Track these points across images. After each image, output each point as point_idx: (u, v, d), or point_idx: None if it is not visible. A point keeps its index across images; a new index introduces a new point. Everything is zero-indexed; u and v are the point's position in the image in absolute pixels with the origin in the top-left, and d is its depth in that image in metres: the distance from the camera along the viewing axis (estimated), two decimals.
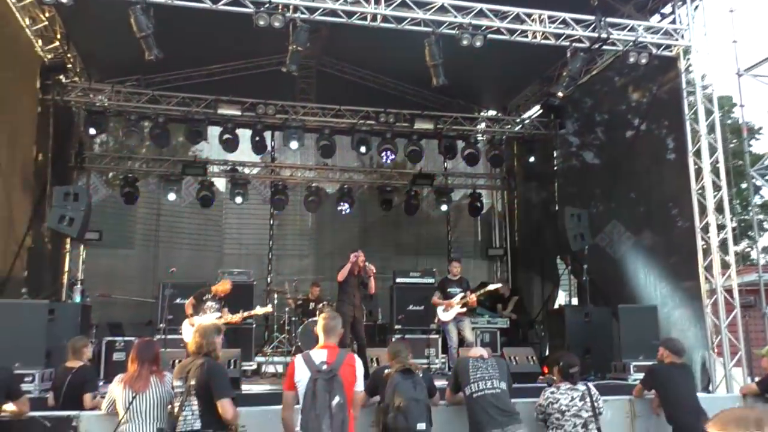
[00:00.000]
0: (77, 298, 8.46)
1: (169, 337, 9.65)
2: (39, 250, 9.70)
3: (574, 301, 11.75)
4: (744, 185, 15.90)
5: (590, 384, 5.52)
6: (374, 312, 12.11)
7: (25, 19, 9.50)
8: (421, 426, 4.70)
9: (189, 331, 8.15)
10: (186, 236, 13.00)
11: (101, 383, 7.96)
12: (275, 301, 11.28)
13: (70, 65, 10.78)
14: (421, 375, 5.02)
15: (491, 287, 9.53)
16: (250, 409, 5.14)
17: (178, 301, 10.02)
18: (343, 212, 12.78)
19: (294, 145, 11.01)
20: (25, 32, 9.59)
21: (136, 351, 4.74)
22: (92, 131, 10.32)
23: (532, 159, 12.18)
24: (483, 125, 13.21)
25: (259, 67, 12.64)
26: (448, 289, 9.14)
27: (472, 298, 9.10)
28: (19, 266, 9.27)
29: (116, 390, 4.64)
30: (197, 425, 4.30)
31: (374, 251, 13.42)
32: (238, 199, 12.23)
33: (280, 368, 10.07)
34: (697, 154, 8.27)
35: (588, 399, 5.23)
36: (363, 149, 11.27)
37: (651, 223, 9.53)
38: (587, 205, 10.73)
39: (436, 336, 10.07)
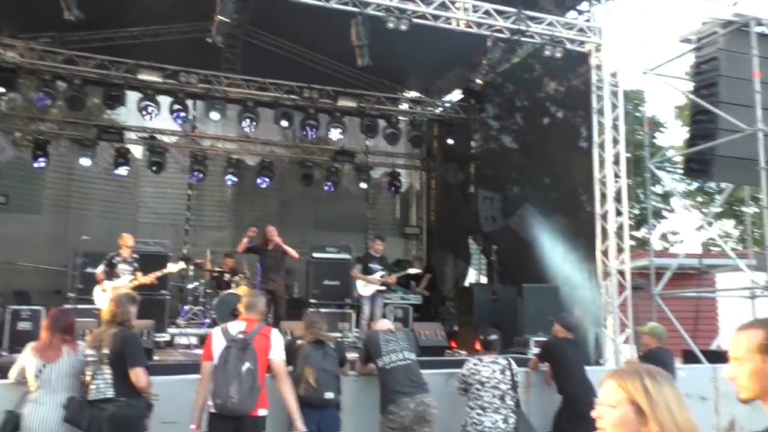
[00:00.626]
0: None
1: (80, 306, 9.52)
2: None
3: (484, 280, 12.28)
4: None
5: (510, 358, 5.89)
6: (290, 286, 12.28)
7: None
8: (329, 395, 4.94)
9: (101, 298, 8.09)
10: (99, 203, 12.66)
11: (5, 353, 7.78)
12: (191, 273, 11.22)
13: None
14: (333, 346, 5.25)
15: (411, 271, 9.90)
16: (164, 378, 5.22)
17: (89, 270, 9.85)
18: (263, 185, 12.76)
19: (215, 116, 10.90)
20: None
21: (50, 320, 4.72)
22: (1, 89, 9.81)
23: (450, 141, 12.54)
24: (405, 106, 13.46)
25: (183, 33, 12.38)
26: (370, 264, 9.42)
27: (393, 279, 9.46)
28: None
29: (27, 358, 4.61)
30: (110, 393, 4.38)
31: (293, 226, 13.58)
32: (156, 168, 11.98)
33: (193, 340, 10.06)
34: (602, 145, 8.81)
35: (508, 372, 5.60)
36: (285, 123, 11.27)
37: (561, 207, 10.06)
38: (503, 188, 11.22)
39: (350, 310, 10.31)
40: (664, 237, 24.60)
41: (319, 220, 13.98)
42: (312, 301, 10.90)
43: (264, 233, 9.46)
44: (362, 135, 13.14)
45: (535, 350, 8.43)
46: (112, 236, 11.64)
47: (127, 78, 10.34)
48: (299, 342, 5.22)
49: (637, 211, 18.15)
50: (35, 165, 11.33)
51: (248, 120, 11.15)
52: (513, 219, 11.03)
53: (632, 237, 18.27)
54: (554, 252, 9.97)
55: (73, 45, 10.90)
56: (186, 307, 10.77)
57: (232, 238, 13.28)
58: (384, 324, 5.90)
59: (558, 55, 8.41)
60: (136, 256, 8.75)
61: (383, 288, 9.33)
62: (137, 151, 12.55)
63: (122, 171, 11.85)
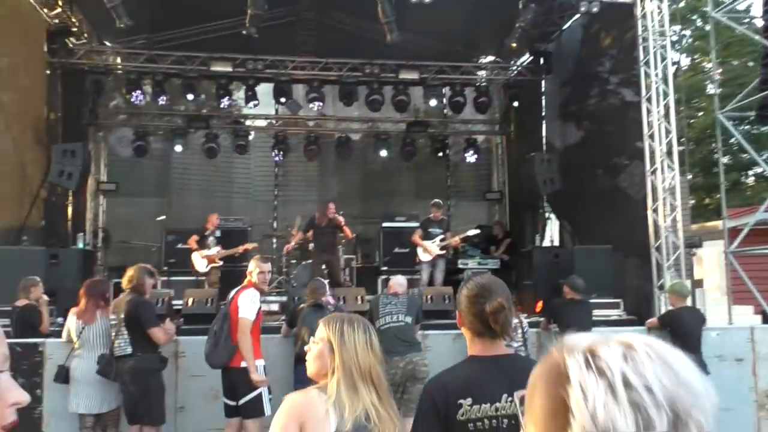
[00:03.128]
0: (80, 245, 9.45)
1: (172, 278, 10.75)
2: (54, 201, 10.77)
3: (557, 243, 12.18)
4: None
5: (522, 316, 6.12)
6: (371, 255, 12.91)
7: None
8: None
9: (199, 262, 9.83)
10: (196, 186, 13.92)
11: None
12: (274, 245, 12.17)
13: (75, 29, 11.61)
14: (332, 310, 5.75)
15: (470, 233, 10.10)
16: (190, 338, 6.02)
17: (179, 246, 11.06)
18: (342, 160, 13.38)
19: (282, 99, 11.62)
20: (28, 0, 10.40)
21: (86, 288, 5.62)
22: (97, 91, 11.13)
23: (516, 104, 12.45)
24: (483, 73, 13.46)
25: (263, 21, 13.20)
26: (429, 230, 9.77)
27: (456, 240, 9.73)
28: (36, 216, 10.38)
29: (70, 321, 5.55)
30: (129, 350, 5.20)
31: (375, 197, 14.18)
32: (240, 151, 12.98)
33: (274, 307, 10.97)
34: (650, 99, 8.49)
35: (519, 330, 5.86)
36: (351, 100, 11.77)
37: (621, 167, 9.79)
38: (563, 150, 11.00)
39: (418, 277, 10.68)
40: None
41: (400, 191, 14.42)
42: (383, 268, 11.41)
43: (323, 209, 10.01)
44: (438, 104, 13.40)
45: None
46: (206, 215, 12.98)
47: (200, 70, 11.26)
48: (301, 306, 5.78)
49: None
50: (137, 154, 12.68)
51: (315, 100, 11.75)
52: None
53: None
54: (616, 212, 9.76)
55: (164, 44, 12.04)
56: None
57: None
58: (393, 285, 6.27)
59: (594, 10, 8.18)
60: (217, 233, 9.91)
61: (443, 252, 9.63)
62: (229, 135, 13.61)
63: (212, 154, 12.93)
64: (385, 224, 11.70)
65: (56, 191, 10.83)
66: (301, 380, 5.23)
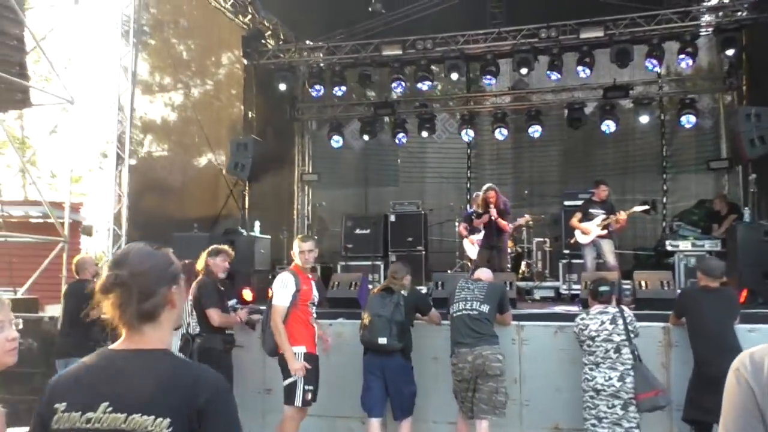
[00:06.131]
0: (257, 231, 10.15)
1: (350, 263, 11.03)
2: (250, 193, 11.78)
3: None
4: None
5: (624, 306, 5.11)
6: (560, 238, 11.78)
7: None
8: (382, 340, 5.02)
9: (470, 249, 9.66)
10: (391, 172, 14.12)
11: None
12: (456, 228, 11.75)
13: (269, 32, 12.57)
14: (404, 294, 5.27)
15: (637, 209, 8.66)
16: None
17: (357, 231, 11.33)
18: (535, 134, 12.39)
19: (455, 76, 11.15)
20: (221, 10, 11.48)
21: None
22: (283, 87, 11.88)
23: (731, 52, 10.23)
24: (704, 18, 11.37)
25: (446, 1, 12.88)
26: (590, 210, 8.66)
27: (620, 217, 8.43)
28: (234, 206, 11.46)
29: None
30: (197, 330, 5.38)
31: (578, 172, 12.89)
32: (425, 134, 12.81)
33: None
34: None
35: (621, 321, 4.90)
36: (524, 71, 10.82)
37: None
38: None
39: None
40: None
41: (606, 165, 12.91)
42: (565, 251, 10.35)
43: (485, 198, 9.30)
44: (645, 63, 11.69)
45: None
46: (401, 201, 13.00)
47: (373, 57, 11.33)
48: (372, 290, 5.41)
49: None
50: (333, 145, 13.27)
51: (489, 75, 11.07)
52: None
53: None
54: None
55: (361, 35, 12.42)
56: None
57: (513, 193, 13.29)
58: (478, 272, 5.58)
59: None
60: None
61: (604, 232, 8.39)
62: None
63: (402, 140, 12.98)
64: (566, 203, 10.56)
65: (253, 182, 11.84)
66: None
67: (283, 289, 4.92)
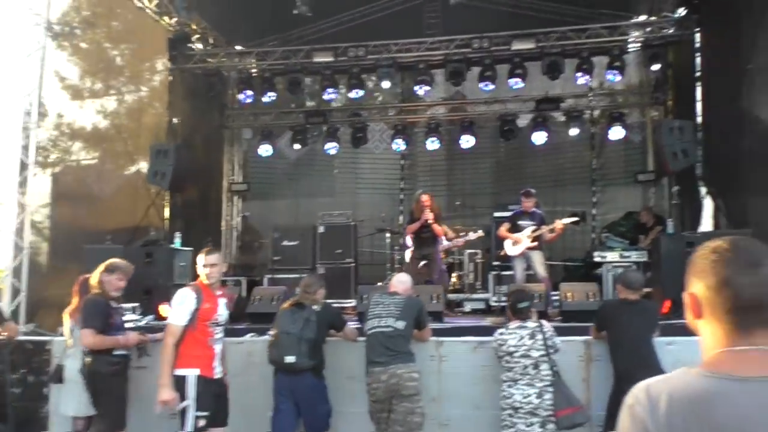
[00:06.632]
0: (177, 244, 9.68)
1: (277, 276, 10.64)
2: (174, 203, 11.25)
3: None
4: None
5: (543, 321, 4.94)
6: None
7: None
8: (290, 359, 4.70)
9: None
10: (325, 183, 13.82)
11: None
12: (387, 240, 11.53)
13: (198, 36, 12.09)
14: (317, 309, 4.97)
15: (566, 221, 8.61)
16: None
17: (285, 243, 10.96)
18: (467, 145, 12.30)
19: (386, 84, 10.96)
20: (145, 11, 10.95)
21: (78, 286, 5.49)
22: (210, 92, 11.46)
23: (656, 67, 10.41)
24: (632, 34, 11.52)
25: (385, 9, 12.70)
26: (518, 222, 8.58)
27: (559, 225, 8.36)
28: (155, 216, 10.93)
29: (65, 320, 5.46)
30: (86, 349, 4.95)
31: (510, 186, 12.87)
32: (360, 144, 12.57)
33: None
34: None
35: (540, 336, 4.71)
36: (457, 81, 10.74)
37: None
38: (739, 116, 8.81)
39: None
40: None
41: (538, 176, 12.94)
42: (495, 263, 10.25)
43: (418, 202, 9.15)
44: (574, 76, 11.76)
45: None
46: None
47: (303, 63, 11.04)
48: (283, 305, 5.09)
49: None
50: (262, 154, 12.84)
51: (423, 84, 10.94)
52: None
53: None
54: None
55: (295, 42, 12.05)
56: None
57: (445, 204, 13.18)
58: (396, 281, 5.31)
59: None
60: None
61: (534, 244, 8.32)
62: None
63: (332, 150, 12.68)
64: (496, 214, 10.48)
65: (178, 192, 11.32)
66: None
67: (179, 306, 4.54)
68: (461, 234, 10.92)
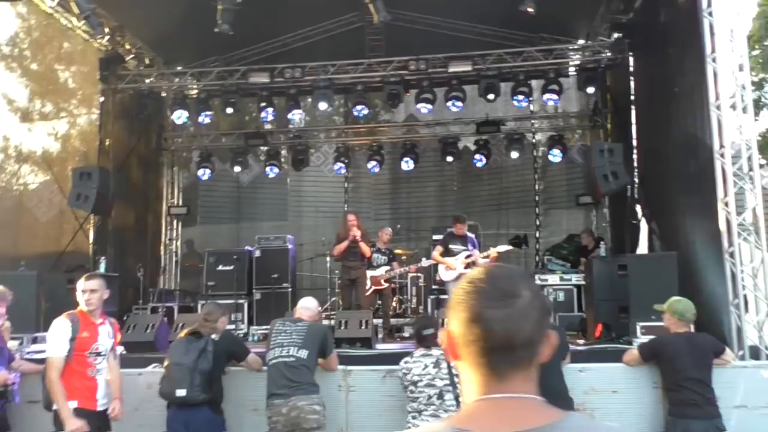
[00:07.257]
0: (102, 269, 9.30)
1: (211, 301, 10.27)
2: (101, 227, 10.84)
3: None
4: None
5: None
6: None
7: (71, 19, 10.51)
8: (181, 392, 4.41)
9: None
10: (268, 205, 13.54)
11: None
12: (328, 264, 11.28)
13: (132, 56, 11.78)
14: (215, 339, 4.69)
15: (500, 249, 8.52)
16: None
17: (220, 267, 10.62)
18: (408, 168, 12.21)
19: (323, 105, 10.79)
20: (74, 30, 10.63)
21: None
22: (143, 113, 11.14)
23: (591, 90, 10.49)
24: (570, 57, 11.59)
25: (327, 32, 12.60)
26: (450, 246, 8.45)
27: (494, 254, 8.27)
28: (85, 243, 10.51)
29: None
30: None
31: (454, 208, 12.78)
32: (300, 166, 12.37)
33: None
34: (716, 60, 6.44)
35: (444, 365, 4.50)
36: (394, 104, 10.66)
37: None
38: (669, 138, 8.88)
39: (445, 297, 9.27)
40: None
41: (482, 199, 12.91)
42: (434, 287, 10.11)
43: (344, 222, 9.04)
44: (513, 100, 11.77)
45: (643, 339, 6.58)
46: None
47: (239, 84, 10.82)
48: (180, 334, 4.81)
49: None
50: (201, 176, 12.53)
51: (360, 105, 10.81)
52: None
53: None
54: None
55: (235, 63, 11.83)
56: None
57: (390, 227, 13.01)
58: (300, 307, 5.06)
59: None
60: None
61: (468, 270, 8.17)
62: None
63: (272, 173, 12.45)
64: (435, 237, 10.34)
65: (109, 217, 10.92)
66: None
67: (54, 337, 4.23)
68: (403, 258, 10.83)
